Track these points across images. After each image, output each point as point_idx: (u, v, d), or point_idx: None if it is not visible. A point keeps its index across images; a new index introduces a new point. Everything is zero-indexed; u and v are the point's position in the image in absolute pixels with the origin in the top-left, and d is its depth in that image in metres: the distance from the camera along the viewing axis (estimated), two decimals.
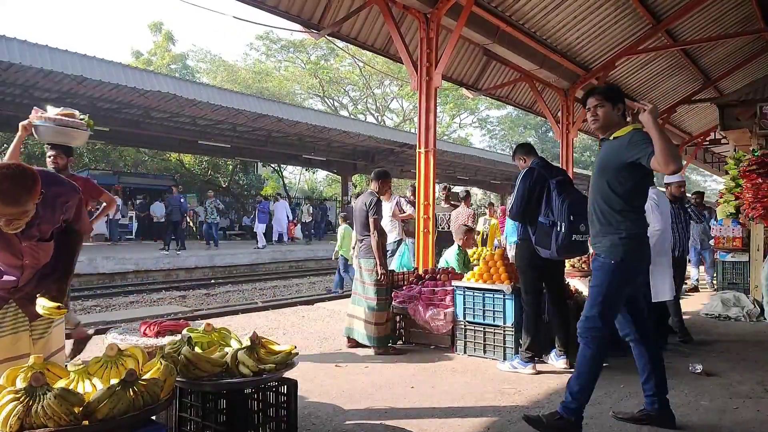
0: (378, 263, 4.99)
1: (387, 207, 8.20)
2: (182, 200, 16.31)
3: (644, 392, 3.32)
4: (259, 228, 17.86)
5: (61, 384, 2.01)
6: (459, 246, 6.66)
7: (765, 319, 6.43)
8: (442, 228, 9.00)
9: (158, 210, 18.44)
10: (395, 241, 8.27)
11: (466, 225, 7.53)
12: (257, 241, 17.74)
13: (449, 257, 6.63)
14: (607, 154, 3.13)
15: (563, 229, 4.09)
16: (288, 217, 20.13)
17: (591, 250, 5.72)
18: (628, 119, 3.28)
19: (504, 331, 4.70)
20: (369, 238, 5.06)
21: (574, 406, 3.01)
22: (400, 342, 5.36)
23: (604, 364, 4.58)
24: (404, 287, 5.62)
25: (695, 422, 3.33)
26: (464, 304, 4.94)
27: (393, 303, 5.23)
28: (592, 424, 3.27)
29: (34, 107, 4.00)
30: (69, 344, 2.86)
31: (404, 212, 8.41)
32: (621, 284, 3.08)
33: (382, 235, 5.14)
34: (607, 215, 3.09)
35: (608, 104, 3.15)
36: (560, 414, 3.03)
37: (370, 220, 5.05)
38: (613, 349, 4.90)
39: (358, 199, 5.32)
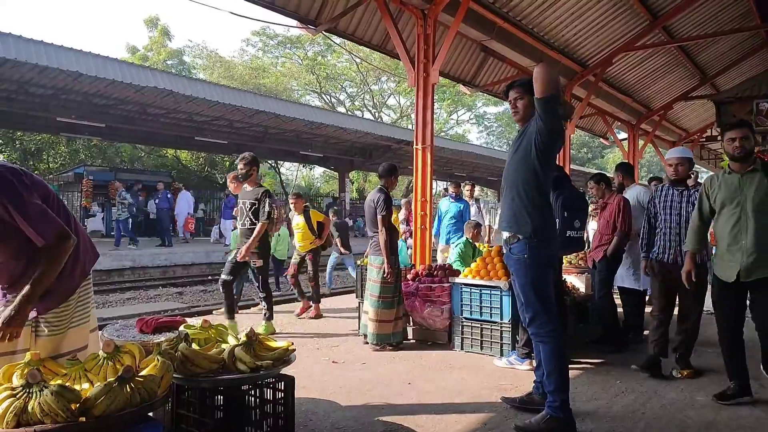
0: (385, 261, 4.98)
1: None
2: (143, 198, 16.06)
3: (535, 377, 3.46)
4: (227, 225, 17.52)
5: (57, 381, 2.01)
6: (468, 239, 6.67)
7: None
8: (242, 224, 5.61)
9: (152, 207, 18.34)
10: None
11: (474, 220, 7.61)
12: (223, 240, 17.42)
13: (455, 250, 6.65)
14: (524, 138, 3.20)
15: (557, 225, 4.10)
16: (189, 212, 18.14)
17: (588, 247, 5.80)
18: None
19: (501, 327, 4.71)
20: (378, 235, 5.06)
21: (557, 403, 3.02)
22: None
23: (599, 360, 4.63)
24: (402, 284, 5.61)
25: (692, 417, 3.35)
26: (461, 301, 4.95)
27: None
28: (588, 420, 3.28)
29: None
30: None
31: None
32: (543, 272, 3.13)
33: (393, 232, 5.16)
34: (518, 202, 3.14)
35: (528, 96, 3.20)
36: (549, 414, 3.04)
37: (378, 217, 5.04)
38: (611, 345, 5.00)
39: (368, 196, 5.34)
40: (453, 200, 8.60)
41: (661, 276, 4.33)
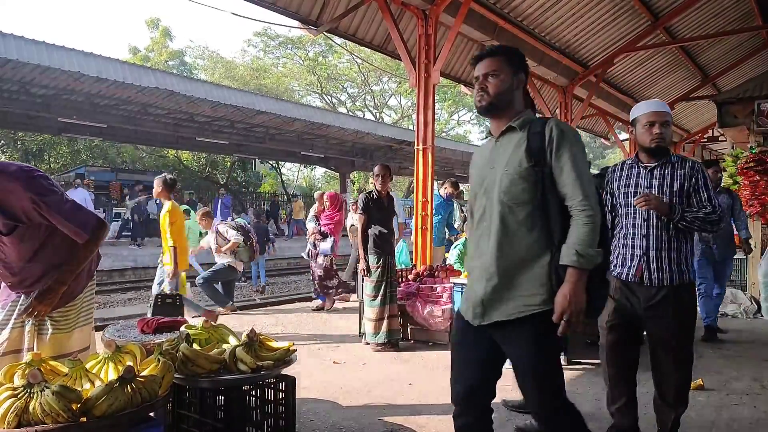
0: (361, 257, 5.09)
1: (211, 239, 6.73)
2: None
3: None
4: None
5: (59, 381, 2.01)
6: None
7: (762, 315, 6.45)
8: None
9: (153, 207, 18.34)
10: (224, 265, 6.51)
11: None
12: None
13: (454, 250, 6.62)
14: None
15: None
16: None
17: None
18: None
19: None
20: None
21: None
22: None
23: (599, 361, 4.62)
24: (402, 284, 5.62)
25: (693, 418, 3.34)
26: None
27: None
28: (590, 420, 3.26)
29: None
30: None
31: (228, 241, 6.50)
32: None
33: (389, 232, 5.23)
34: None
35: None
36: None
37: (356, 215, 5.19)
38: None
39: None
40: (446, 200, 7.98)
41: (614, 303, 2.76)
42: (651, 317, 2.70)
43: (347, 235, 8.60)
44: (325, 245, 7.19)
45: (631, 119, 2.84)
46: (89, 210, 2.46)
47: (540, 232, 1.94)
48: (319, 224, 7.45)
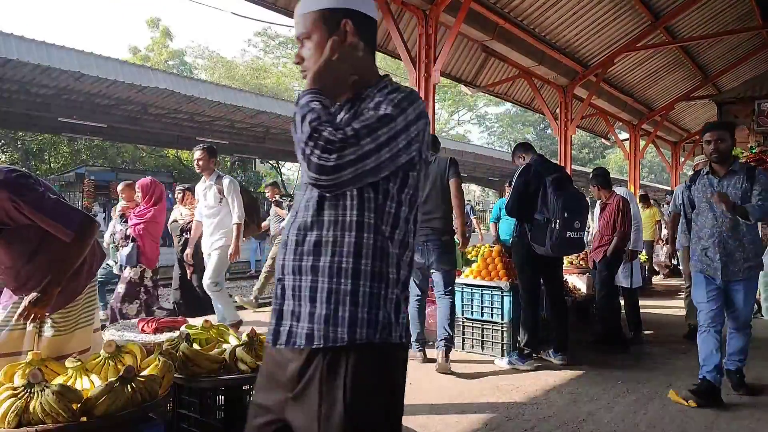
0: None
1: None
2: None
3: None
4: None
5: (59, 380, 2.01)
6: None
7: (762, 316, 6.45)
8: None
9: None
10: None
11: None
12: None
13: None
14: None
15: (557, 226, 4.10)
16: None
17: (588, 248, 5.81)
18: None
19: (502, 327, 4.70)
20: None
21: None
22: None
23: (600, 361, 4.63)
24: None
25: (693, 418, 3.35)
26: (462, 301, 4.94)
27: None
28: (590, 420, 3.28)
29: None
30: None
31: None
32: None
33: None
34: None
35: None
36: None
37: None
38: (612, 346, 5.00)
39: None
40: None
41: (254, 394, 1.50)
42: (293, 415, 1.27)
43: (181, 235, 6.82)
44: (123, 252, 5.38)
45: None
46: (75, 207, 2.41)
47: None
48: (125, 225, 5.60)
